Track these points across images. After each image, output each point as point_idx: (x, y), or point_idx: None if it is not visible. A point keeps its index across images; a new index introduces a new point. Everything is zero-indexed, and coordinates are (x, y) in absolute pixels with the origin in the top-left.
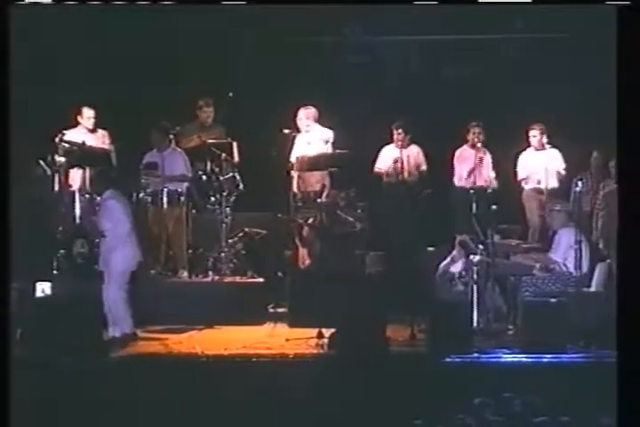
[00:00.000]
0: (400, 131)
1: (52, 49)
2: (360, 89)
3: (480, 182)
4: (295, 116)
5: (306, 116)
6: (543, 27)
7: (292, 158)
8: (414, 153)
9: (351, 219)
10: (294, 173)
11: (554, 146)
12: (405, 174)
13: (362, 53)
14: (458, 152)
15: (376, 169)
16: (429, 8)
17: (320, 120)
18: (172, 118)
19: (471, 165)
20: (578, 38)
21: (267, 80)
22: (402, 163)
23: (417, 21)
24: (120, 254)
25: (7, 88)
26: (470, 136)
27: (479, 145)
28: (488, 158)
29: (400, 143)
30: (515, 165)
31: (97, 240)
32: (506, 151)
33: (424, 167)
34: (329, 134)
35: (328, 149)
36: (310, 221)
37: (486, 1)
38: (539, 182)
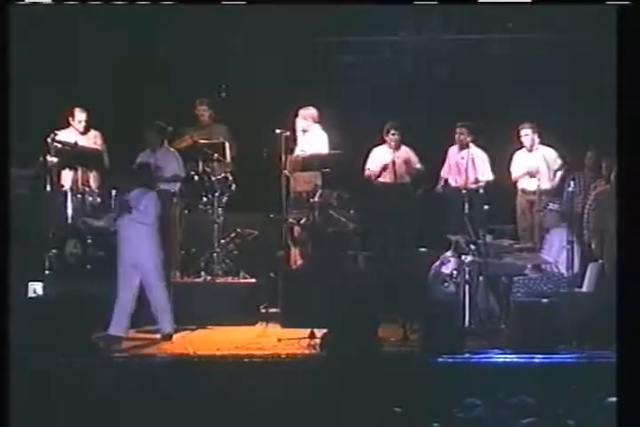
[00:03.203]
0: (394, 132)
1: (52, 49)
2: (353, 89)
3: (471, 183)
4: (295, 116)
5: (304, 116)
6: (542, 27)
7: (286, 158)
8: (405, 154)
9: (344, 219)
10: (287, 174)
11: (547, 145)
12: (398, 175)
13: (354, 54)
14: (448, 152)
15: (367, 171)
16: (426, 8)
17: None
18: (168, 118)
19: (460, 166)
20: (578, 38)
21: (260, 80)
22: (394, 164)
23: (412, 21)
24: (155, 249)
25: (7, 88)
26: (457, 137)
27: (470, 145)
28: (479, 158)
29: (393, 144)
30: (507, 165)
31: (89, 240)
32: (498, 151)
33: (417, 167)
34: (323, 135)
35: (322, 149)
36: (303, 221)
37: (485, 1)
38: (531, 182)
